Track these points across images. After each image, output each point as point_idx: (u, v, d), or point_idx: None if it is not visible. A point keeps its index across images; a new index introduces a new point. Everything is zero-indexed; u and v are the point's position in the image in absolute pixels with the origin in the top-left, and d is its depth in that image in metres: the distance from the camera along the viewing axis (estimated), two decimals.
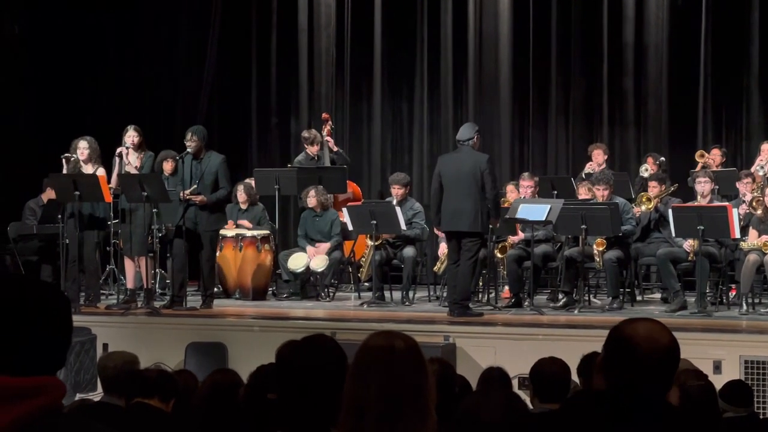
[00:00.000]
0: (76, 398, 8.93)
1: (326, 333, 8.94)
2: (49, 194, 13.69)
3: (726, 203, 11.60)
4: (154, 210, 11.60)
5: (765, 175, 12.70)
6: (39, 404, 2.24)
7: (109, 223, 12.44)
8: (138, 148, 11.96)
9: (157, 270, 12.76)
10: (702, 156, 13.83)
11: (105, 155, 12.19)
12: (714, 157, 13.98)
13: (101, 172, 11.91)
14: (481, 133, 11.61)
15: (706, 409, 4.71)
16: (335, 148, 14.32)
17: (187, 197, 11.47)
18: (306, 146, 14.10)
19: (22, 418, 2.21)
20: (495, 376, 6.02)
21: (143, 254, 11.92)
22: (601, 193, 11.93)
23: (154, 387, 5.32)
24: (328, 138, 14.25)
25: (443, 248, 12.54)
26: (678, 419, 3.18)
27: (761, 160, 13.10)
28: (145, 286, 11.92)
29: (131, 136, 11.93)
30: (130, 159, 11.88)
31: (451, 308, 11.16)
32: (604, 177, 12.14)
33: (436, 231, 12.32)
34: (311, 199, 13.16)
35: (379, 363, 2.86)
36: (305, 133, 14.33)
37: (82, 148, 12.01)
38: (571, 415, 3.08)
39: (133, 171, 11.81)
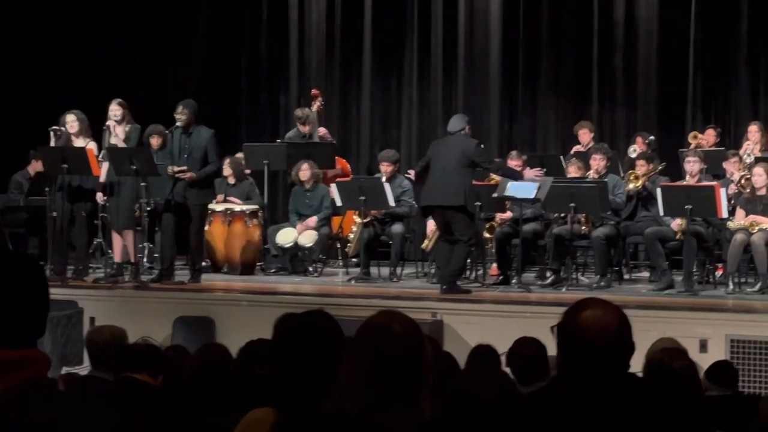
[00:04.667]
0: (63, 371, 8.93)
1: (314, 308, 8.94)
2: (35, 166, 13.67)
3: (714, 183, 11.62)
4: (143, 184, 11.58)
5: (752, 162, 12.65)
6: (25, 377, 2.25)
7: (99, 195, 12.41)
8: (122, 120, 11.86)
9: (145, 244, 12.75)
10: (695, 137, 13.83)
11: (93, 129, 12.14)
12: (708, 137, 13.99)
13: (92, 145, 11.88)
14: (471, 124, 11.67)
15: (689, 389, 4.74)
16: (329, 138, 14.36)
17: (176, 173, 11.44)
18: (298, 125, 14.07)
19: (9, 390, 2.22)
20: (484, 354, 6.04)
21: (129, 228, 11.89)
22: (597, 163, 11.99)
23: (142, 362, 5.32)
24: (323, 130, 14.24)
25: (431, 225, 12.56)
26: (646, 389, 3.17)
27: (748, 145, 13.09)
28: (132, 260, 11.90)
29: (112, 110, 11.85)
30: (118, 132, 11.82)
31: (440, 280, 11.22)
32: (601, 148, 12.28)
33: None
34: (304, 173, 13.12)
35: (373, 343, 2.85)
36: (298, 112, 14.27)
37: (71, 121, 11.97)
38: (553, 397, 3.08)
39: (120, 144, 11.75)
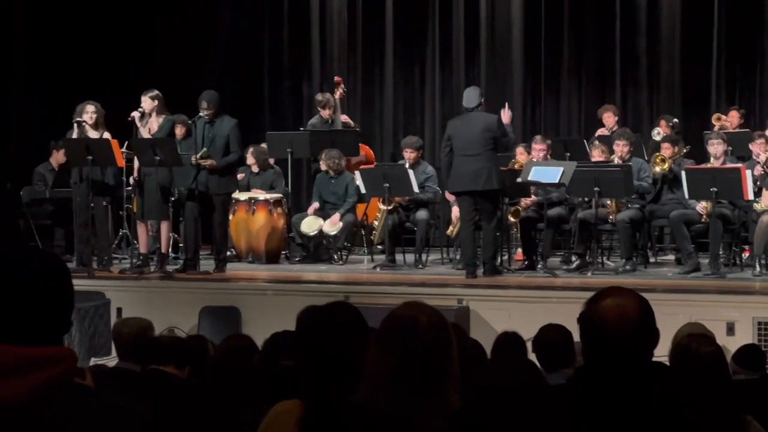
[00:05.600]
0: (91, 363, 8.98)
1: (339, 296, 8.95)
2: (57, 158, 13.73)
3: (739, 164, 11.56)
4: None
5: None
6: (54, 374, 2.26)
7: (125, 188, 12.43)
8: (152, 112, 11.82)
9: (170, 234, 12.77)
10: (718, 119, 13.76)
11: (116, 120, 12.15)
12: (732, 118, 13.94)
13: (107, 136, 11.91)
14: (485, 95, 11.67)
15: (716, 374, 4.73)
16: (352, 123, 14.38)
17: (198, 161, 11.45)
18: (319, 109, 14.09)
19: (39, 387, 2.23)
20: (510, 342, 6.03)
21: (161, 218, 11.90)
22: (620, 149, 11.95)
23: (169, 354, 5.34)
24: (345, 117, 14.28)
25: (456, 212, 12.58)
26: (673, 378, 3.15)
27: None
28: (162, 251, 11.93)
29: (142, 101, 11.84)
30: (151, 123, 11.81)
31: (468, 270, 11.22)
32: (624, 133, 12.24)
33: (447, 197, 12.37)
34: (322, 163, 13.16)
35: (400, 335, 2.85)
36: (319, 96, 14.30)
37: (91, 112, 11.98)
38: (579, 388, 3.07)
39: (146, 135, 11.77)
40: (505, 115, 11.53)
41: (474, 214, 11.30)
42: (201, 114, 11.53)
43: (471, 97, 11.43)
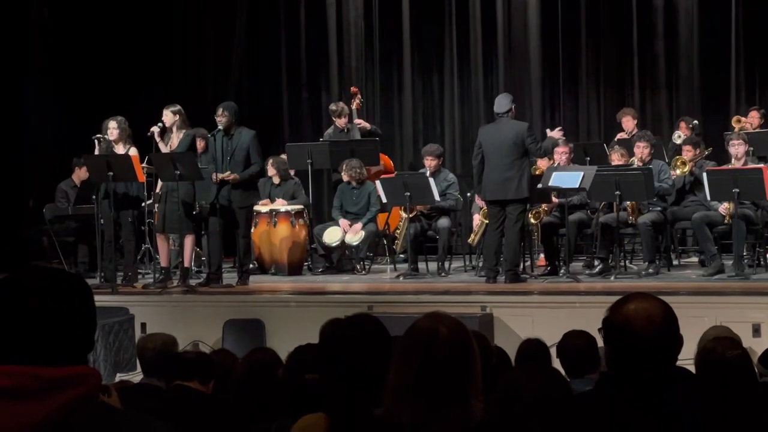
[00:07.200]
0: (117, 379, 9.00)
1: (363, 306, 8.94)
2: (79, 174, 13.77)
3: (761, 165, 11.51)
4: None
5: None
6: (77, 394, 2.26)
7: (144, 203, 12.46)
8: (173, 127, 11.82)
9: (193, 248, 12.79)
10: (738, 121, 13.71)
11: (135, 134, 12.17)
12: (752, 119, 13.87)
13: (133, 151, 11.93)
14: (515, 102, 11.71)
15: (743, 377, 4.70)
16: (369, 126, 14.39)
17: (220, 178, 11.46)
18: (334, 119, 14.12)
19: (62, 408, 2.23)
20: (533, 350, 6.02)
21: (185, 232, 11.91)
22: (641, 151, 11.92)
23: (192, 370, 5.33)
24: (359, 121, 14.30)
25: (477, 219, 12.57)
26: (698, 383, 3.14)
27: None
28: (185, 265, 11.96)
29: (164, 115, 11.86)
30: (173, 138, 11.83)
31: (489, 275, 11.23)
32: (644, 135, 12.20)
33: (477, 201, 12.35)
34: (344, 174, 13.17)
35: (420, 346, 2.85)
36: (332, 106, 14.36)
37: (112, 128, 12.02)
38: (604, 395, 3.07)
39: (165, 150, 11.79)
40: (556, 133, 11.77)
41: (501, 221, 11.30)
42: (219, 127, 11.54)
43: (502, 103, 11.51)
